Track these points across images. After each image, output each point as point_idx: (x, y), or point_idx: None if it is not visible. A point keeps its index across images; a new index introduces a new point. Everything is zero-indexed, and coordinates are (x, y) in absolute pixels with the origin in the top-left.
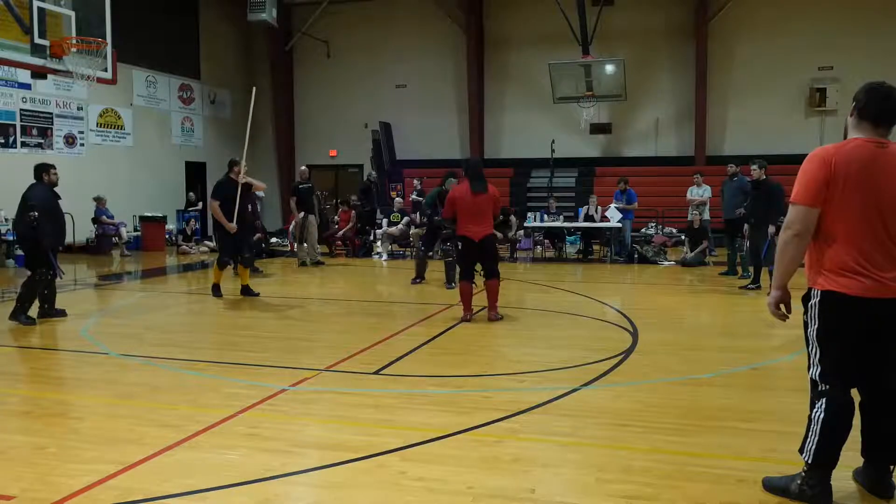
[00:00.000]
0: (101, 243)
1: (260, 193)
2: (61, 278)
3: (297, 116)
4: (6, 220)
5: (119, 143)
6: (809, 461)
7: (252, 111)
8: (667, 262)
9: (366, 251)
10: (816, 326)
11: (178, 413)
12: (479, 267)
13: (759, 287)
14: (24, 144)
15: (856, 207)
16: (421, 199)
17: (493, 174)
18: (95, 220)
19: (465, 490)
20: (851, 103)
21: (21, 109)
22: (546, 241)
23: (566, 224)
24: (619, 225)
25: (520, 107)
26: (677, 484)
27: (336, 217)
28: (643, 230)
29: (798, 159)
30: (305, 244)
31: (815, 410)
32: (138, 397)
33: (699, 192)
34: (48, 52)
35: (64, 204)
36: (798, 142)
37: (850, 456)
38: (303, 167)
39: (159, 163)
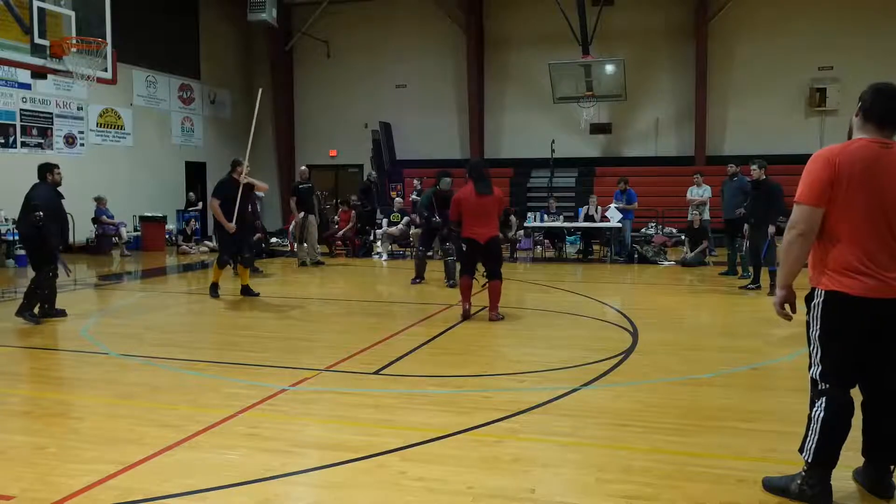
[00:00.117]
0: (101, 243)
1: (260, 194)
2: (69, 276)
3: (297, 116)
4: (6, 219)
5: (119, 143)
6: (809, 460)
7: (257, 112)
8: (667, 262)
9: (366, 251)
10: (819, 326)
11: (178, 413)
12: (480, 268)
13: (759, 287)
14: (24, 144)
15: (860, 207)
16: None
17: (492, 174)
18: (95, 220)
19: (465, 490)
20: (857, 103)
21: (21, 109)
22: (546, 241)
23: (566, 224)
24: (619, 225)
25: (520, 107)
26: (677, 484)
27: (336, 217)
28: (643, 230)
29: (798, 159)
30: (305, 244)
31: (815, 409)
32: (138, 397)
33: (699, 192)
34: (48, 52)
35: (65, 204)
36: (798, 142)
37: (850, 456)
38: (303, 167)
39: (159, 163)
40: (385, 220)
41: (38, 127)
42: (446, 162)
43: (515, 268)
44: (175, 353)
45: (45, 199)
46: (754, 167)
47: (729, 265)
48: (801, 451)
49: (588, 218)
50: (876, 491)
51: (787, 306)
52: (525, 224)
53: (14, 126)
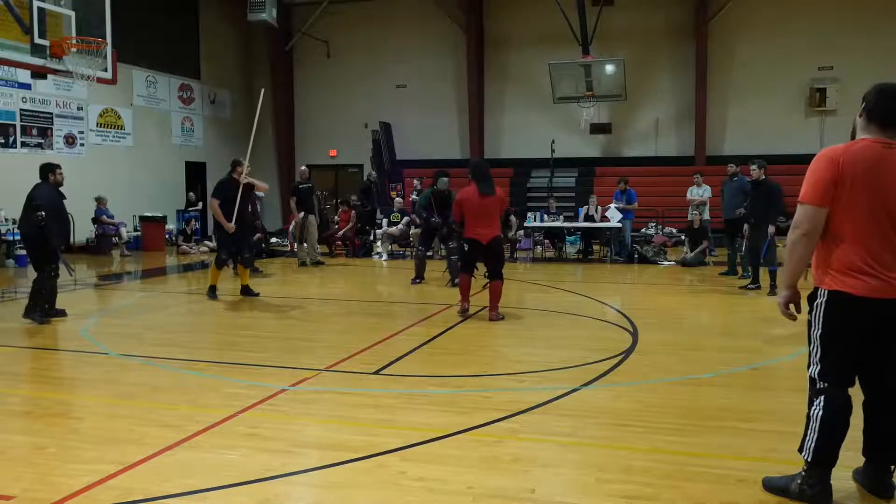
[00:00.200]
0: (101, 243)
1: (260, 194)
2: (71, 275)
3: (297, 116)
4: (6, 219)
5: (119, 143)
6: (809, 459)
7: (259, 113)
8: (667, 262)
9: (366, 251)
10: (820, 326)
11: (178, 413)
12: (481, 268)
13: (758, 287)
14: (24, 144)
15: (863, 207)
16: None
17: (493, 174)
18: (95, 220)
19: (465, 490)
20: (860, 104)
21: (21, 109)
22: (546, 241)
23: (566, 224)
24: (619, 225)
25: (520, 107)
26: (677, 484)
27: (336, 217)
28: (643, 230)
29: (798, 159)
30: (305, 244)
31: (813, 408)
32: (138, 397)
33: (699, 192)
34: (48, 52)
35: (66, 204)
36: (798, 142)
37: (850, 456)
38: (303, 167)
39: (159, 163)
40: (385, 220)
41: (38, 127)
42: (446, 162)
43: (515, 268)
44: (175, 353)
45: (47, 199)
46: (754, 167)
47: (729, 265)
48: (800, 450)
49: (588, 218)
50: (876, 491)
51: (791, 306)
52: (525, 224)
53: (14, 126)
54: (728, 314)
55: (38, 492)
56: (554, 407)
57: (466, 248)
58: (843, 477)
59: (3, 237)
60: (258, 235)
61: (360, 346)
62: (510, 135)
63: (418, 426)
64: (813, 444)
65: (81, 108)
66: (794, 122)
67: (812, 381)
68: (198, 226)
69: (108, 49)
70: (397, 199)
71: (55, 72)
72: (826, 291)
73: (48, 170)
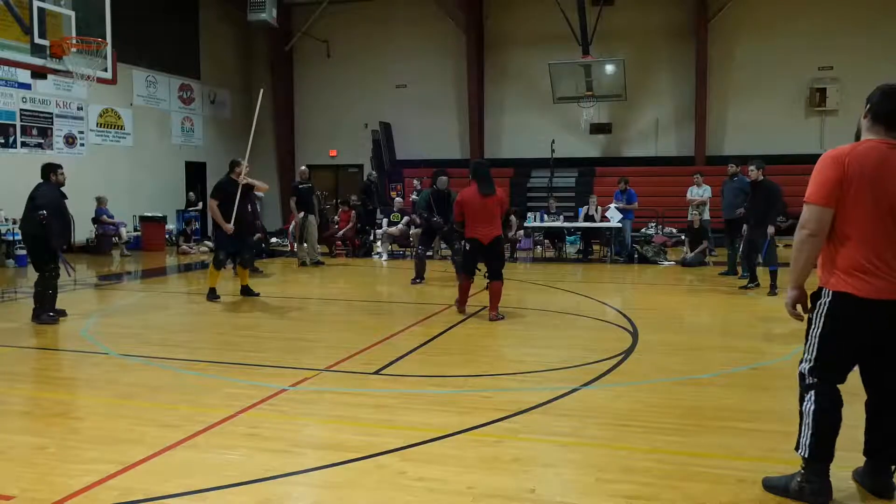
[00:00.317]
0: (101, 243)
1: (260, 194)
2: (70, 275)
3: (297, 116)
4: (6, 219)
5: (119, 143)
6: (806, 455)
7: (257, 112)
8: (667, 263)
9: (366, 251)
10: (821, 325)
11: (178, 413)
12: (482, 268)
13: (757, 285)
14: (24, 144)
15: (868, 208)
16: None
17: (493, 174)
18: (95, 220)
19: (465, 490)
20: (864, 105)
21: (21, 109)
22: (546, 241)
23: (566, 224)
24: (619, 225)
25: (520, 107)
26: (677, 484)
27: (336, 217)
28: (643, 230)
29: (798, 159)
30: (305, 244)
31: (805, 404)
32: (138, 397)
33: (699, 192)
34: (48, 52)
35: (67, 204)
36: (798, 142)
37: (851, 456)
38: (303, 167)
39: (159, 163)
40: (385, 220)
41: (39, 127)
42: (446, 162)
43: (515, 268)
44: (175, 353)
45: (48, 199)
46: (752, 168)
47: (729, 265)
48: (797, 448)
49: (588, 218)
50: (876, 491)
51: (798, 306)
52: (525, 224)
53: (14, 126)
54: (728, 314)
55: (38, 492)
56: (554, 407)
57: (468, 249)
58: (843, 477)
59: (3, 237)
60: (258, 235)
61: (360, 346)
62: (510, 135)
63: (418, 426)
64: (808, 440)
65: (81, 108)
66: (794, 122)
67: (801, 376)
68: (198, 226)
69: (108, 49)
70: (397, 199)
71: (55, 72)
72: (830, 292)
73: (50, 170)
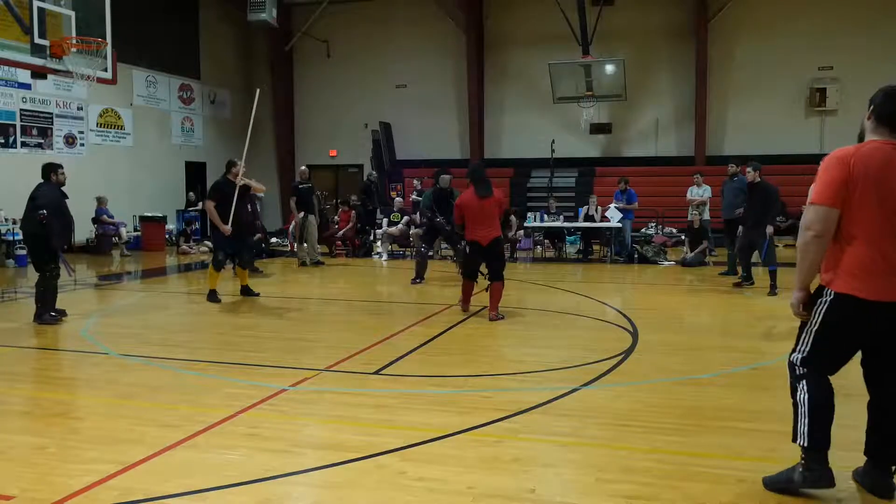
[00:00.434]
0: (101, 243)
1: (259, 194)
2: (70, 276)
3: (297, 116)
4: (6, 219)
5: (119, 143)
6: (805, 444)
7: (255, 112)
8: (667, 263)
9: (366, 251)
10: (819, 322)
11: (178, 413)
12: (484, 269)
13: (752, 283)
14: (24, 144)
15: (873, 208)
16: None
17: (493, 174)
18: (96, 220)
19: (465, 490)
20: (868, 107)
21: (21, 109)
22: (546, 241)
23: (566, 224)
24: (619, 225)
25: (520, 107)
26: (677, 484)
27: (336, 217)
28: (643, 230)
29: (798, 159)
30: (305, 244)
31: (798, 394)
32: (138, 397)
33: (699, 192)
34: (48, 52)
35: (67, 204)
36: (798, 142)
37: (851, 456)
38: (303, 167)
39: (159, 163)
40: (385, 220)
41: (38, 127)
42: (446, 162)
43: (515, 268)
44: (175, 353)
45: (49, 199)
46: (749, 169)
47: (729, 265)
48: (794, 439)
49: (588, 218)
50: (876, 491)
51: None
52: (525, 224)
53: (14, 126)
54: (728, 314)
55: (38, 492)
56: (554, 407)
57: (468, 251)
58: (843, 477)
59: (3, 237)
60: (258, 235)
61: (360, 346)
62: (510, 135)
63: (418, 426)
64: (805, 428)
65: (81, 108)
66: (794, 122)
67: (791, 366)
68: (198, 226)
69: (108, 49)
70: (397, 199)
71: (55, 72)
72: (832, 292)
73: (50, 170)
